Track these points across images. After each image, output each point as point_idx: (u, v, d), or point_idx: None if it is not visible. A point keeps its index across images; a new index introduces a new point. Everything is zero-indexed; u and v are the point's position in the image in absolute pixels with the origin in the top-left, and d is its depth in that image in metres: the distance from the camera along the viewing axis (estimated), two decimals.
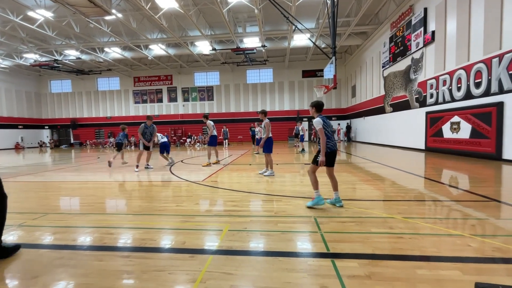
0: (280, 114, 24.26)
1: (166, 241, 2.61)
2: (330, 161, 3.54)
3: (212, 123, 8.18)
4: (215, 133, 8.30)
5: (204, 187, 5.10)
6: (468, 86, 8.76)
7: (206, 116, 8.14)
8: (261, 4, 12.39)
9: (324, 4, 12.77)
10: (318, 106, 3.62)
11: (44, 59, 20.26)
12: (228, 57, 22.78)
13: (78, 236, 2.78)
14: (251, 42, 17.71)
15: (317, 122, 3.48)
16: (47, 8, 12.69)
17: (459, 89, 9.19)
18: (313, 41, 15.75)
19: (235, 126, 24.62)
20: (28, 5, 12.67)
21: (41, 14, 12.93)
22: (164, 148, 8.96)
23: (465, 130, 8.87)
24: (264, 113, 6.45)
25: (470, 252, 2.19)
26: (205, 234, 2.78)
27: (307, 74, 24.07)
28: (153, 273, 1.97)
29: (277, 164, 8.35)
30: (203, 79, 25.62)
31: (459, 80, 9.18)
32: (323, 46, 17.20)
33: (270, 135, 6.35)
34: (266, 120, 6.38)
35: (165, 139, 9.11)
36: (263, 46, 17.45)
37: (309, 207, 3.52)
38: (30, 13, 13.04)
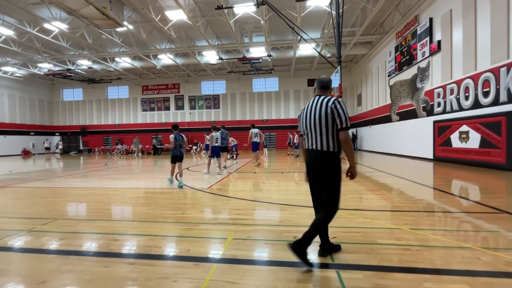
0: (286, 122, 24.33)
1: (171, 249, 2.62)
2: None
3: (217, 134, 8.54)
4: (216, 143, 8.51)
5: (209, 195, 5.12)
6: (476, 95, 8.66)
7: (214, 128, 8.74)
8: (267, 15, 12.69)
9: (329, 15, 12.98)
10: None
11: (57, 68, 21.05)
12: (234, 66, 23.18)
13: (85, 242, 2.83)
14: (257, 51, 18.03)
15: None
16: (62, 20, 13.28)
17: (467, 98, 9.09)
18: (319, 50, 15.93)
19: (241, 134, 24.75)
20: (44, 17, 13.30)
21: (57, 26, 13.51)
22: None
23: (474, 140, 8.71)
24: (214, 128, 8.67)
25: (480, 265, 2.13)
26: (209, 242, 2.79)
27: (312, 82, 24.07)
28: (158, 281, 1.98)
29: (282, 173, 8.34)
30: (209, 87, 26.04)
31: (466, 89, 9.09)
32: (328, 55, 17.37)
33: (217, 144, 8.43)
34: (211, 133, 8.36)
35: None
36: (269, 55, 17.73)
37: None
38: (46, 25, 13.66)
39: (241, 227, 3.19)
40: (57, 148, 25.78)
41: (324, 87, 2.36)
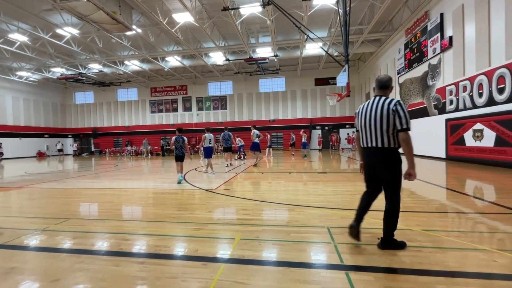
0: (293, 122, 24.20)
1: (179, 248, 2.65)
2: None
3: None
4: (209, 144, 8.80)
5: (217, 195, 5.14)
6: (490, 92, 8.38)
7: (207, 129, 9.07)
8: (273, 15, 12.67)
9: (336, 13, 12.84)
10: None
11: (69, 72, 21.67)
12: (241, 67, 23.25)
13: (97, 242, 2.89)
14: (264, 52, 18.01)
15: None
16: (73, 25, 13.67)
17: (480, 95, 8.80)
18: (326, 49, 15.78)
19: (249, 134, 24.78)
20: (56, 23, 13.71)
21: (68, 31, 13.92)
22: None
23: (489, 138, 8.42)
24: (207, 129, 9.00)
25: (496, 268, 2.05)
26: (217, 242, 2.80)
27: (319, 82, 24.00)
28: (167, 280, 2.00)
29: (290, 173, 8.30)
30: (216, 88, 26.21)
31: (480, 86, 8.80)
32: (335, 54, 17.17)
33: (210, 145, 8.81)
34: (204, 135, 8.73)
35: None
36: (276, 55, 17.69)
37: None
38: (58, 31, 14.09)
39: (249, 227, 3.18)
40: (77, 148, 26.87)
41: (384, 86, 2.41)
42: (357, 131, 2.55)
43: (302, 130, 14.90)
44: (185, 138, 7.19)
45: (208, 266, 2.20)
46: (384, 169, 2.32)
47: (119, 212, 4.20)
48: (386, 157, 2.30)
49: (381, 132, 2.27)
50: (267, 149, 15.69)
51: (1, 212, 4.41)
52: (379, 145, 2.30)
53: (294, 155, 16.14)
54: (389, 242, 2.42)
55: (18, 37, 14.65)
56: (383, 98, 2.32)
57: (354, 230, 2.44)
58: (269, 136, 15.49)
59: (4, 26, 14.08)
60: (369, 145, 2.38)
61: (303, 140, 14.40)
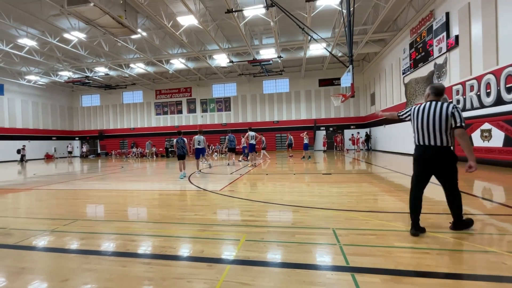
0: (297, 123, 24.14)
1: (185, 249, 2.67)
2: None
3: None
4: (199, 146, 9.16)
5: (222, 197, 5.16)
6: (498, 91, 8.23)
7: (200, 132, 9.43)
8: (276, 17, 12.70)
9: (339, 13, 12.81)
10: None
11: (76, 76, 22.08)
12: (245, 69, 23.33)
13: (104, 242, 2.93)
14: (267, 53, 18.05)
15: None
16: (80, 30, 13.93)
17: (488, 94, 8.66)
18: (329, 50, 15.74)
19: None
20: (64, 28, 13.99)
21: (75, 36, 14.20)
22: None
23: (497, 138, 8.26)
24: (200, 132, 9.28)
25: (506, 271, 2.02)
26: (222, 243, 2.81)
27: (323, 83, 23.91)
28: (172, 281, 2.02)
29: (294, 174, 8.28)
30: (220, 90, 26.34)
31: (488, 85, 8.66)
32: (339, 55, 17.11)
33: (199, 146, 8.99)
34: (194, 137, 9.09)
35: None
36: (279, 57, 17.71)
37: None
38: (66, 35, 14.37)
39: (254, 228, 3.19)
40: (87, 150, 27.56)
41: (440, 93, 2.82)
42: (399, 117, 3.11)
43: (306, 132, 14.72)
44: (185, 139, 8.36)
45: (213, 267, 2.21)
46: (445, 163, 2.69)
47: (125, 213, 4.25)
48: (446, 153, 2.68)
49: (440, 132, 2.65)
50: (262, 151, 15.61)
51: (11, 213, 4.51)
52: (438, 143, 2.68)
53: (292, 157, 15.96)
54: (459, 223, 2.81)
55: (27, 42, 15.00)
56: (439, 103, 2.72)
57: (419, 233, 2.78)
58: (263, 138, 15.25)
59: (14, 32, 14.43)
60: (428, 143, 2.74)
61: (304, 142, 14.18)
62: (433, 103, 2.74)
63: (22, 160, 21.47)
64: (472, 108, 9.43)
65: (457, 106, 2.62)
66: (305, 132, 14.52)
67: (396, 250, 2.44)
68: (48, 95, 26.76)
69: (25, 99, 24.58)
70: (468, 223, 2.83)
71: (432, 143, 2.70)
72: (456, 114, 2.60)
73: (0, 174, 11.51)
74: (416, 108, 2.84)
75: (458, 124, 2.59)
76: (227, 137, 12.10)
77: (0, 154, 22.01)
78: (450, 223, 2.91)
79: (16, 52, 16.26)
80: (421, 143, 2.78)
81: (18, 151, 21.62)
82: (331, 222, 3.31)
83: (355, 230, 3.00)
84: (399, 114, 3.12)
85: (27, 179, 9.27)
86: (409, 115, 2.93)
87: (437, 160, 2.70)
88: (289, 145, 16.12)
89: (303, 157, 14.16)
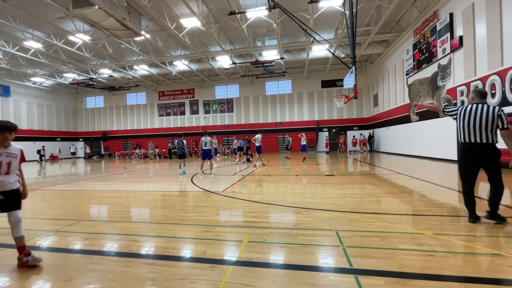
0: (300, 124, 24.09)
1: (188, 250, 2.67)
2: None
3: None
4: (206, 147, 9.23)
5: (224, 198, 5.17)
6: (503, 92, 8.15)
7: (205, 133, 9.43)
8: (279, 18, 12.72)
9: (342, 15, 12.79)
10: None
11: (81, 77, 22.31)
12: (247, 70, 23.38)
13: (107, 243, 2.95)
14: (270, 55, 18.07)
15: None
16: (85, 32, 14.08)
17: (493, 95, 8.57)
18: (332, 51, 15.72)
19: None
20: (69, 30, 14.16)
21: (80, 38, 14.35)
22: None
23: (502, 140, 8.17)
24: (205, 133, 9.28)
25: None
26: (225, 244, 2.81)
27: (326, 84, 23.86)
28: (175, 281, 2.02)
29: (296, 175, 8.26)
30: (223, 92, 26.42)
31: (492, 86, 8.58)
32: (342, 56, 17.08)
33: (206, 147, 9.11)
34: (201, 138, 9.19)
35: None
36: (282, 58, 17.72)
37: None
38: (71, 37, 14.55)
39: (257, 230, 3.19)
40: (90, 151, 27.98)
41: (484, 96, 3.20)
42: (443, 111, 3.49)
43: (303, 133, 14.59)
44: (184, 141, 9.63)
45: (216, 268, 2.21)
46: (492, 158, 3.07)
47: (129, 214, 4.27)
48: (494, 150, 3.07)
49: (486, 131, 3.02)
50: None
51: None
52: (484, 141, 3.05)
53: (289, 158, 15.77)
54: (496, 214, 3.08)
55: (33, 44, 15.21)
56: (485, 105, 3.08)
57: (476, 220, 3.15)
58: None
59: (20, 34, 14.64)
60: (476, 141, 3.08)
61: (302, 143, 14.06)
62: (479, 105, 3.08)
63: (41, 160, 22.63)
64: None
65: (502, 109, 3.02)
66: (303, 133, 14.43)
67: (400, 252, 2.42)
68: (53, 96, 27.06)
69: (30, 101, 24.88)
70: (503, 218, 3.07)
71: (479, 140, 3.06)
72: (503, 116, 2.96)
73: None
74: (463, 109, 3.17)
75: (506, 126, 2.96)
76: (238, 141, 14.21)
77: None
78: (486, 211, 3.22)
79: (22, 54, 16.49)
80: (471, 140, 3.11)
81: (38, 151, 22.90)
82: (334, 224, 3.29)
83: (359, 232, 2.99)
84: (445, 110, 3.41)
85: (32, 180, 9.36)
86: (455, 114, 3.26)
87: (485, 156, 3.07)
88: (287, 147, 16.04)
89: (304, 158, 14.10)
